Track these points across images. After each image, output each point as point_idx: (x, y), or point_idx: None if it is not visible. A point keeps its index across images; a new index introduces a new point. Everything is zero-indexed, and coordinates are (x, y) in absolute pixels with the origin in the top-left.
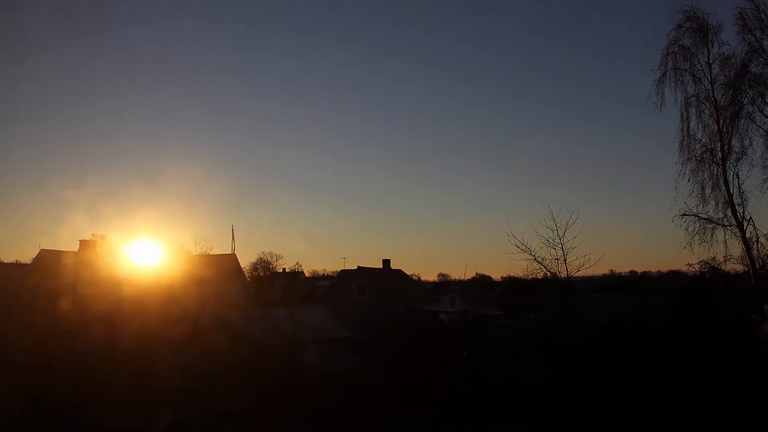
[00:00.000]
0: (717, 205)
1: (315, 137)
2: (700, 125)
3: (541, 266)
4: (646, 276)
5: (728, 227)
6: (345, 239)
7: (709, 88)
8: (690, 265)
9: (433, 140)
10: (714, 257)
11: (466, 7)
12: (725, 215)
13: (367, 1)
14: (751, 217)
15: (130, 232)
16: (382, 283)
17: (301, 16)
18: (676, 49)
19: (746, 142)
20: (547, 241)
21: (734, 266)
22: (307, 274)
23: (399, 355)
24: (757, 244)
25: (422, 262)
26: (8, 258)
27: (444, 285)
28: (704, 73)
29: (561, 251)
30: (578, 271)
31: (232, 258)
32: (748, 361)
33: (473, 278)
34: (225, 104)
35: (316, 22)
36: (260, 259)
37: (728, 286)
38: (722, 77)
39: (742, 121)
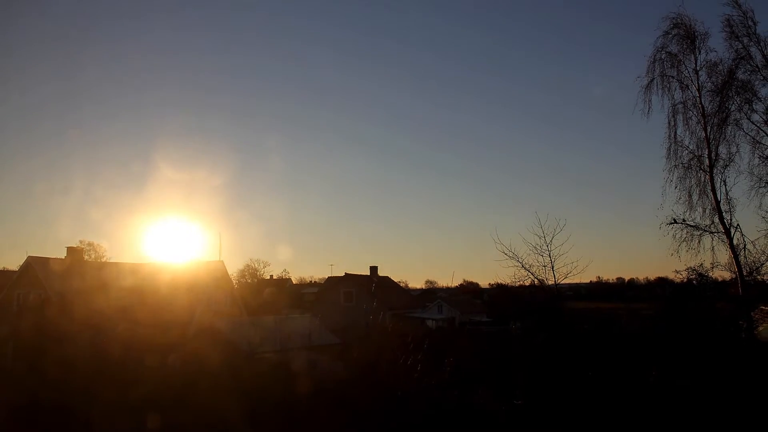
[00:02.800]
0: (704, 211)
1: (303, 143)
2: (688, 132)
3: (529, 273)
4: (633, 283)
5: (715, 234)
6: (332, 246)
7: (697, 95)
8: (677, 272)
9: (421, 146)
10: (701, 264)
11: (453, 12)
12: (712, 222)
13: (347, 8)
14: (738, 224)
15: (118, 239)
16: (370, 289)
17: (290, 19)
18: (663, 56)
19: (733, 149)
20: (535, 247)
21: (722, 273)
22: (294, 281)
23: (384, 360)
24: (745, 250)
25: (410, 269)
26: None
27: (431, 292)
28: (691, 80)
29: (548, 258)
30: (565, 277)
31: (219, 265)
32: (736, 367)
33: (461, 285)
34: (213, 110)
35: (304, 27)
36: (248, 266)
37: (715, 293)
38: (709, 84)
39: (730, 127)
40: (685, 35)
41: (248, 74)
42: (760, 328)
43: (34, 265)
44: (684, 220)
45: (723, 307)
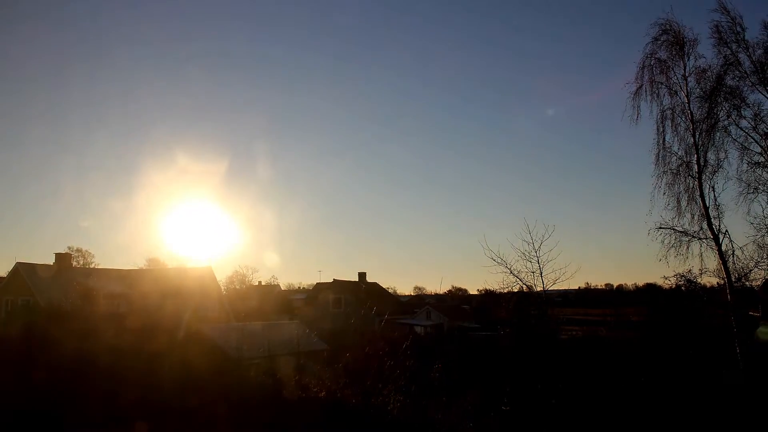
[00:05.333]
0: (693, 218)
1: (291, 149)
2: (676, 138)
3: (517, 279)
4: (621, 289)
5: (704, 240)
6: (321, 252)
7: (685, 101)
8: (666, 279)
9: (409, 151)
10: (690, 270)
11: (441, 20)
12: (701, 228)
13: (339, 11)
14: (726, 230)
15: (106, 245)
16: (358, 295)
17: (281, 22)
18: (652, 62)
19: (722, 155)
20: (523, 254)
21: (710, 279)
22: (282, 287)
23: (373, 367)
24: (733, 257)
25: (398, 275)
26: None
27: (420, 298)
28: (680, 86)
29: (537, 264)
30: (554, 284)
31: (207, 271)
32: (727, 374)
33: (449, 291)
34: (200, 117)
35: (294, 31)
36: (236, 272)
37: (704, 299)
38: (698, 90)
39: (718, 134)
40: (674, 41)
41: (236, 80)
42: (758, 330)
43: (22, 271)
44: (672, 226)
45: (712, 313)
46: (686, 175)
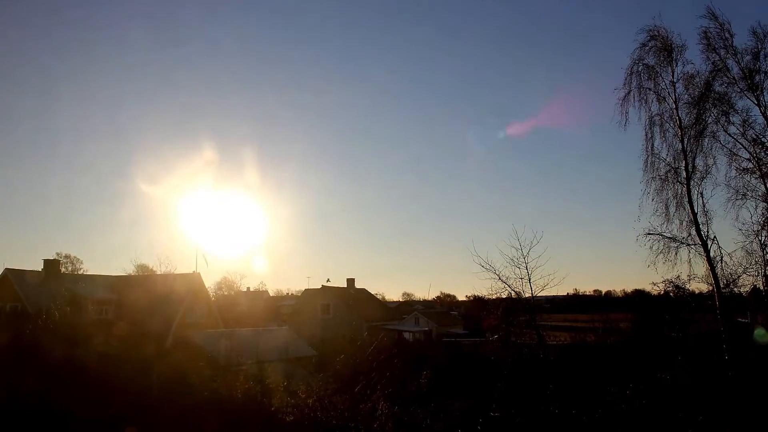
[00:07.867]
0: (681, 224)
1: (278, 154)
2: (665, 144)
3: (506, 285)
4: (609, 295)
5: (692, 246)
6: (309, 258)
7: (674, 107)
8: (654, 284)
9: (398, 155)
10: (678, 276)
11: (425, 23)
12: (689, 234)
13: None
14: (715, 236)
15: (95, 251)
16: (347, 301)
17: (271, 28)
18: (640, 68)
19: (710, 161)
20: (512, 260)
21: (699, 285)
22: (271, 293)
23: (362, 374)
24: (722, 263)
25: (386, 281)
26: None
27: (408, 304)
28: (668, 92)
29: (525, 270)
30: (542, 290)
31: (196, 277)
32: (718, 379)
33: (437, 297)
34: (189, 122)
35: (285, 37)
36: (225, 278)
37: (693, 305)
38: (686, 96)
39: (707, 140)
40: (662, 47)
41: (223, 86)
42: (755, 333)
43: (10, 278)
44: (661, 232)
45: (700, 319)
46: (675, 181)
